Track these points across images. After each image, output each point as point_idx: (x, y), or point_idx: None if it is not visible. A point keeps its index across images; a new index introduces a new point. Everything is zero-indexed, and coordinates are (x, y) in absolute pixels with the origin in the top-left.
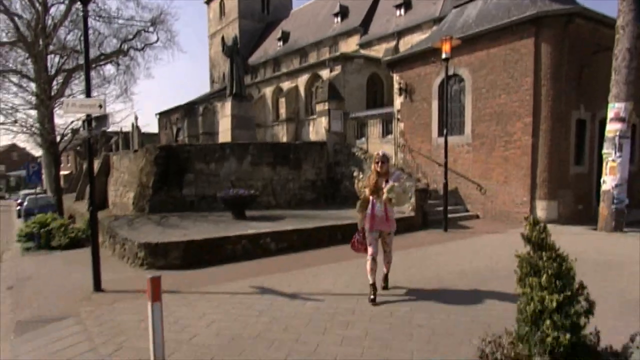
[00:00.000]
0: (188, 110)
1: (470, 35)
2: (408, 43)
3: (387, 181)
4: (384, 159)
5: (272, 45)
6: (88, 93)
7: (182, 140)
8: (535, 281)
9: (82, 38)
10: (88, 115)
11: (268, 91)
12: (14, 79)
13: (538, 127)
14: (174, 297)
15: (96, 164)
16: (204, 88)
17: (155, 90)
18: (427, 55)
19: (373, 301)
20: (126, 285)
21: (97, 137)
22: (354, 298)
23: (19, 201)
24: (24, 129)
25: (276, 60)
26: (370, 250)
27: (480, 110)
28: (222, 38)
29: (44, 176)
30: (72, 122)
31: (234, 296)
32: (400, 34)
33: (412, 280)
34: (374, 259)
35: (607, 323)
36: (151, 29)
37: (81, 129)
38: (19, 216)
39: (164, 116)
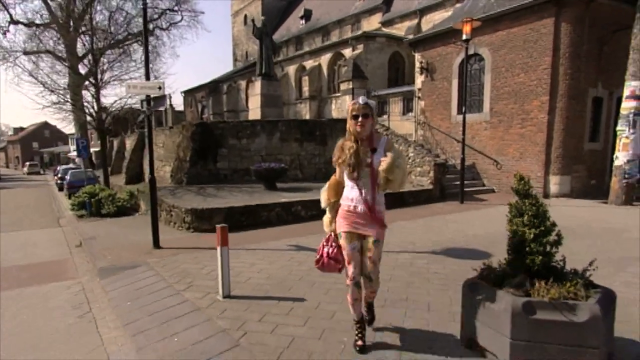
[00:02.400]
0: (213, 88)
1: (491, 15)
2: (430, 21)
3: (373, 150)
4: (367, 109)
5: (294, 24)
6: (147, 76)
7: (207, 117)
8: (519, 221)
9: (110, 20)
10: (147, 96)
11: (291, 69)
12: (47, 59)
13: (554, 105)
14: None
15: (129, 141)
16: (226, 67)
17: (177, 68)
18: (448, 35)
19: (362, 349)
20: (179, 244)
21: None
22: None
23: (60, 175)
24: (74, 108)
25: (298, 38)
26: (350, 271)
27: (498, 88)
28: (245, 16)
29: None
30: (115, 101)
31: (275, 252)
32: (422, 11)
33: (429, 241)
34: (356, 284)
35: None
36: (176, 8)
37: (142, 105)
38: (60, 189)
39: (189, 94)
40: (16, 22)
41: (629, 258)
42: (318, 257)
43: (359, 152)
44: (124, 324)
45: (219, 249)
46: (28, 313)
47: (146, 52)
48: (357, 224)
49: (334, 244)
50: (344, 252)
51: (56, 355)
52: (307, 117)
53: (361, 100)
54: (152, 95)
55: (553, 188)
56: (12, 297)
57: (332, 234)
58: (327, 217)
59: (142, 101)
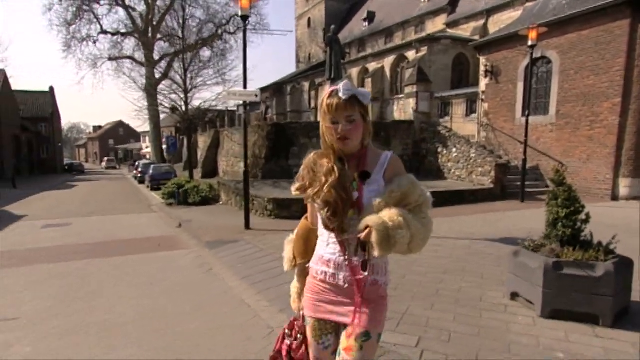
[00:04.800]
0: (277, 89)
1: (561, 18)
2: (497, 21)
3: (363, 176)
4: (352, 109)
5: (357, 26)
6: (245, 85)
7: (271, 117)
8: (554, 202)
9: (182, 25)
10: (244, 102)
11: (354, 71)
12: (128, 64)
13: (627, 107)
14: None
15: (202, 139)
16: (287, 68)
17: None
18: (514, 39)
19: None
20: (265, 227)
21: (211, 118)
22: (440, 239)
23: (140, 169)
24: (169, 109)
25: (361, 40)
26: None
27: (566, 91)
28: (309, 19)
29: (150, 149)
30: (201, 102)
31: None
32: (489, 12)
33: (486, 232)
34: None
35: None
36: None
37: (239, 109)
38: (140, 182)
39: None
40: (105, 32)
41: None
42: (273, 353)
43: (342, 180)
44: (241, 277)
45: None
46: (167, 269)
47: (244, 64)
48: (333, 304)
49: (300, 335)
50: (310, 352)
51: (200, 294)
52: (370, 118)
53: (342, 90)
54: (248, 101)
55: (623, 191)
56: (146, 259)
57: (300, 314)
58: (293, 287)
59: (238, 106)
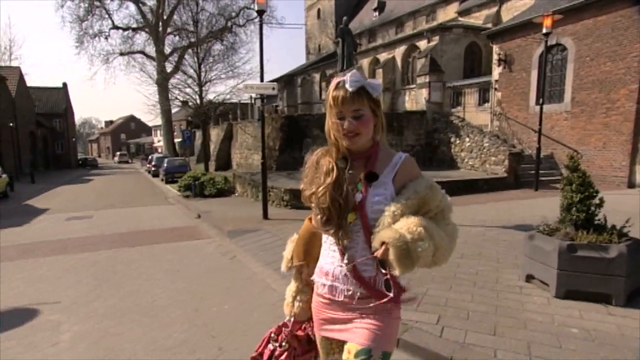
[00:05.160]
0: (287, 81)
1: (577, 4)
2: (511, 8)
3: (370, 177)
4: (361, 103)
5: (367, 16)
6: (262, 78)
7: (282, 109)
8: (569, 188)
9: (192, 19)
10: (261, 95)
11: (365, 62)
12: (139, 58)
13: None
14: None
15: (215, 132)
16: (296, 60)
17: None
18: (527, 26)
19: None
20: (282, 216)
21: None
22: None
23: (153, 163)
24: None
25: (371, 30)
26: None
27: (582, 78)
28: (319, 10)
29: (162, 142)
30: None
31: None
32: None
33: (500, 219)
34: None
35: None
36: (252, 5)
37: (255, 102)
38: (154, 175)
39: None
40: (117, 28)
41: None
42: (255, 354)
43: (340, 183)
44: (265, 264)
45: None
46: (192, 257)
47: (261, 58)
48: (334, 321)
49: (285, 343)
50: None
51: (227, 278)
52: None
53: (349, 81)
54: (265, 94)
55: (639, 178)
56: (171, 248)
57: (291, 320)
58: (289, 290)
59: (255, 99)
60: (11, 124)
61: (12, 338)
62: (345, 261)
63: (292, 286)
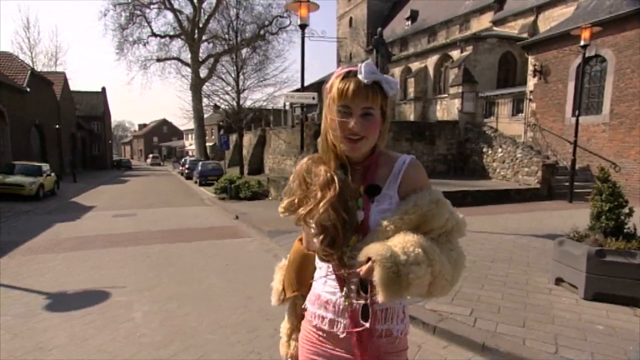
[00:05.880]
0: (317, 88)
1: (618, 15)
2: (548, 17)
3: (372, 191)
4: (374, 97)
5: (399, 25)
6: (302, 87)
7: (312, 116)
8: (598, 197)
9: (228, 27)
10: (301, 104)
11: (397, 71)
12: (174, 64)
13: None
14: None
15: (247, 137)
16: (325, 66)
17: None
18: (564, 37)
19: None
20: None
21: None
22: (485, 234)
23: (187, 166)
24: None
25: (403, 39)
26: None
27: (621, 90)
28: (351, 19)
29: (194, 146)
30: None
31: None
32: (539, 8)
33: (532, 229)
34: None
35: None
36: (285, 13)
37: (295, 110)
38: (187, 178)
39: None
40: (155, 35)
41: None
42: None
43: (344, 196)
44: None
45: None
46: (237, 253)
47: (302, 69)
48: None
49: None
50: None
51: (272, 272)
52: (412, 117)
53: (365, 72)
54: (305, 103)
55: None
56: (215, 244)
57: None
58: (283, 327)
59: (294, 107)
60: (57, 126)
61: (91, 313)
62: (345, 293)
63: (286, 323)
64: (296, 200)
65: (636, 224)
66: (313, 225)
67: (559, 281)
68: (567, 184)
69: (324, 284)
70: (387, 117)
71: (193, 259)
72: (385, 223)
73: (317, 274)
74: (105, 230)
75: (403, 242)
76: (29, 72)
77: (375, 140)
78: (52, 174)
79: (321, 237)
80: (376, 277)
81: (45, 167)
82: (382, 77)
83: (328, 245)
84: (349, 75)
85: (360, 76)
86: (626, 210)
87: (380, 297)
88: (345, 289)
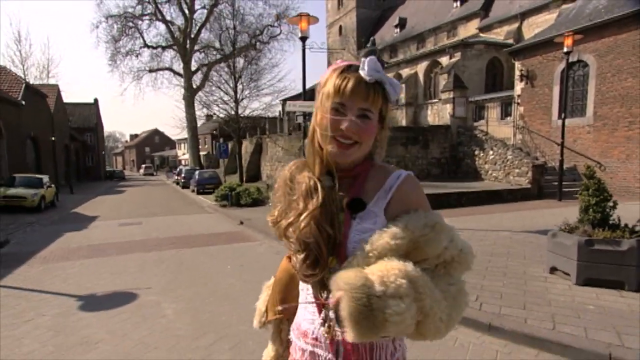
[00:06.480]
0: (310, 96)
1: (598, 23)
2: (532, 24)
3: (355, 206)
4: (374, 97)
5: (388, 32)
6: (304, 97)
7: (303, 124)
8: (586, 192)
9: (220, 36)
10: (304, 112)
11: None
12: (166, 74)
13: None
14: None
15: (244, 145)
16: (318, 76)
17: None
18: (549, 44)
19: None
20: None
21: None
22: (482, 232)
23: (183, 175)
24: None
25: (393, 46)
26: None
27: (603, 93)
28: (340, 27)
29: (188, 155)
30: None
31: None
32: (523, 15)
33: (525, 225)
34: None
35: None
36: (276, 23)
37: (297, 118)
38: (184, 187)
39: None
40: (148, 46)
41: None
42: None
43: (329, 207)
44: None
45: None
46: (249, 256)
47: (304, 79)
48: None
49: None
50: None
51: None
52: (404, 122)
53: (368, 68)
54: (307, 111)
55: None
56: (226, 249)
57: None
58: (266, 355)
59: (297, 115)
60: (52, 138)
61: (124, 312)
62: (321, 320)
63: (269, 350)
64: (276, 212)
65: (620, 216)
66: (293, 241)
67: (553, 270)
68: (556, 183)
69: (305, 309)
70: (386, 125)
71: (207, 262)
72: (367, 247)
73: (300, 299)
74: (114, 239)
75: (384, 270)
76: (24, 85)
77: (369, 148)
78: (52, 186)
79: (301, 255)
80: (343, 310)
81: (46, 179)
82: (387, 77)
83: (309, 266)
84: (349, 70)
85: (362, 72)
86: (611, 203)
87: (348, 335)
88: (322, 316)
